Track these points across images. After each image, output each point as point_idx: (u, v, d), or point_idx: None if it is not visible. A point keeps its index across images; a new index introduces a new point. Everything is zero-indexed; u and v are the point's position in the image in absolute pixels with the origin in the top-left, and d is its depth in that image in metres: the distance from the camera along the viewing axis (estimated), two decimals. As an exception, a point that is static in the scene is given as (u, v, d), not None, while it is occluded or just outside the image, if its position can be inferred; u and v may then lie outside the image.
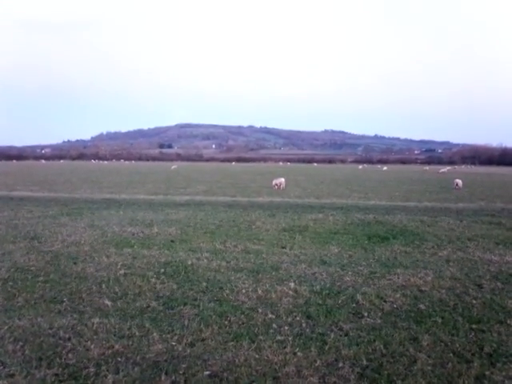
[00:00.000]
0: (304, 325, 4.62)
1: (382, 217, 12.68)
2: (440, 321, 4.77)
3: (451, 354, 3.99)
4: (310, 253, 7.92)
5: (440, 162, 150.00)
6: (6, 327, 4.45)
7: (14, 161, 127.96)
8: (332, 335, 4.36)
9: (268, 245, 8.59)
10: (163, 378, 3.51)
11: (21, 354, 3.91)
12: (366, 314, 4.94)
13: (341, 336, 4.36)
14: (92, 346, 4.03)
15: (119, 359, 3.82)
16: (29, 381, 3.45)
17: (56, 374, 3.54)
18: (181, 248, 8.16)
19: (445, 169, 70.66)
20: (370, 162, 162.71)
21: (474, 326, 4.62)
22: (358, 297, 5.49)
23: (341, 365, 3.77)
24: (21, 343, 4.10)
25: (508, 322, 4.76)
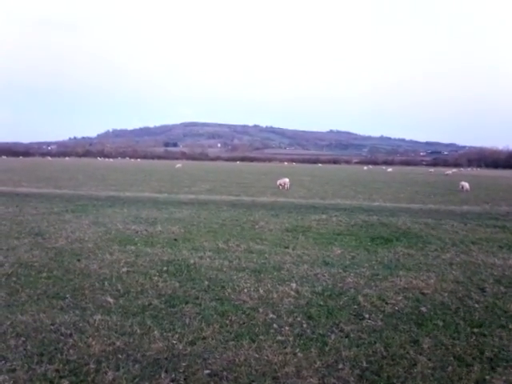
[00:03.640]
0: (305, 325, 4.62)
1: (386, 218, 12.64)
2: (441, 324, 4.76)
3: (452, 358, 3.98)
4: (312, 253, 7.92)
5: (446, 164, 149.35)
6: (8, 322, 4.49)
7: (21, 157, 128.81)
8: (333, 336, 4.36)
9: (271, 245, 8.59)
10: (163, 375, 3.52)
11: (22, 349, 3.94)
12: (367, 316, 4.94)
13: (341, 337, 4.36)
14: (93, 343, 4.06)
15: (120, 356, 3.84)
16: (30, 376, 3.48)
17: (57, 370, 3.57)
18: (184, 247, 8.18)
19: (450, 171, 70.31)
20: (375, 163, 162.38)
21: (475, 330, 4.60)
22: (360, 298, 5.49)
23: (341, 366, 3.77)
24: (23, 338, 4.14)
25: (510, 326, 4.73)
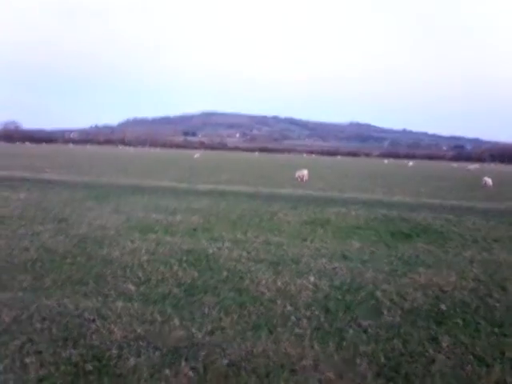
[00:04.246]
0: (322, 319, 4.64)
1: (407, 213, 12.49)
2: (461, 322, 4.72)
3: (471, 357, 3.95)
4: (331, 247, 7.90)
5: (469, 159, 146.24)
6: (34, 306, 4.63)
7: (44, 144, 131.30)
8: (350, 331, 4.37)
9: (289, 237, 8.60)
10: (183, 363, 3.60)
11: (48, 332, 4.06)
12: (385, 312, 4.93)
13: (359, 332, 4.36)
14: (115, 329, 4.16)
15: (141, 343, 3.93)
16: (55, 359, 3.60)
17: (81, 354, 3.68)
18: (203, 236, 8.26)
19: (473, 166, 68.87)
20: (396, 156, 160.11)
21: (496, 330, 4.55)
22: (378, 294, 5.47)
23: (358, 361, 3.79)
24: (48, 322, 4.27)
25: (532, 327, 4.66)
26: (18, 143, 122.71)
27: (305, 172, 25.51)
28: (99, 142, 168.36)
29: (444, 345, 4.16)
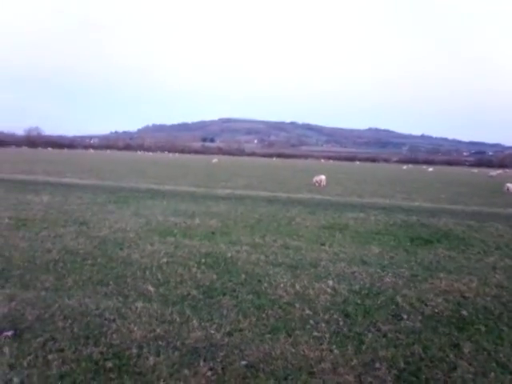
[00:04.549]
0: (341, 323, 4.61)
1: (427, 219, 12.32)
2: (483, 329, 4.62)
3: (494, 364, 3.86)
4: (349, 251, 7.84)
5: (490, 164, 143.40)
6: (56, 305, 4.72)
7: (65, 149, 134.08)
8: (370, 335, 4.33)
9: (307, 241, 8.57)
10: (202, 364, 3.62)
11: (70, 331, 4.13)
12: (405, 317, 4.86)
13: (379, 337, 4.31)
14: (135, 329, 4.21)
15: (160, 343, 3.96)
16: (77, 356, 3.66)
17: (101, 353, 3.73)
18: (221, 240, 8.30)
19: (495, 172, 67.46)
20: (415, 162, 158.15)
21: (520, 337, 4.44)
22: (398, 299, 5.40)
23: (378, 365, 3.75)
24: (70, 321, 4.34)
25: (558, 335, 4.53)
26: (40, 149, 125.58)
27: (322, 177, 25.42)
28: (119, 148, 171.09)
29: (466, 351, 4.08)
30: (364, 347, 4.07)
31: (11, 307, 4.60)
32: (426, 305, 5.27)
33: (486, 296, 5.70)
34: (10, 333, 3.96)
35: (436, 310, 5.12)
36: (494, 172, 68.60)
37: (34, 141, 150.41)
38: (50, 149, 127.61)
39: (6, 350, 3.69)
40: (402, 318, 4.82)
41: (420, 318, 4.87)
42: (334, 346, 4.05)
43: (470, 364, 3.85)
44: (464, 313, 5.07)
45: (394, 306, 5.17)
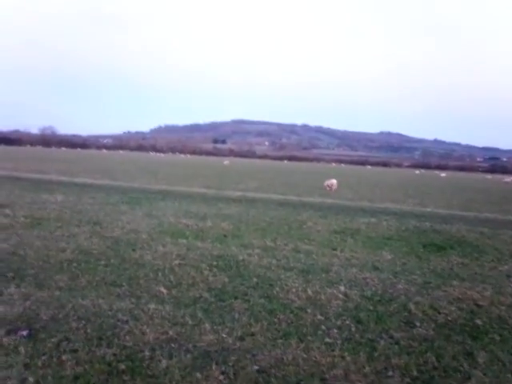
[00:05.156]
0: (353, 329, 4.58)
1: (439, 225, 12.20)
2: (498, 338, 4.56)
3: (509, 375, 3.80)
4: (361, 257, 7.80)
5: (505, 171, 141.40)
6: (70, 305, 4.77)
7: (79, 149, 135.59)
8: (382, 342, 4.30)
9: (319, 246, 8.55)
10: (214, 367, 3.62)
11: (83, 331, 4.17)
12: (418, 324, 4.82)
13: (391, 344, 4.28)
14: (148, 330, 4.24)
15: (173, 345, 3.98)
16: (90, 357, 3.69)
17: (114, 354, 3.76)
18: (233, 243, 8.32)
19: (510, 178, 66.53)
20: (427, 167, 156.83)
21: (535, 348, 4.37)
22: (411, 306, 5.36)
23: (390, 373, 3.72)
24: (83, 322, 4.38)
25: None
26: (54, 148, 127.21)
27: (334, 181, 25.32)
28: (131, 148, 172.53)
29: (480, 361, 4.03)
30: (376, 354, 4.05)
31: (26, 306, 4.66)
32: (439, 312, 5.22)
33: (500, 305, 5.62)
34: (25, 332, 4.01)
35: (449, 318, 5.06)
36: (508, 178, 67.68)
37: (49, 140, 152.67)
38: (63, 148, 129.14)
39: (22, 349, 3.73)
40: (414, 326, 4.78)
41: (433, 325, 4.83)
42: (347, 353, 4.03)
43: (484, 374, 3.80)
44: (478, 321, 5.01)
45: (406, 313, 5.13)
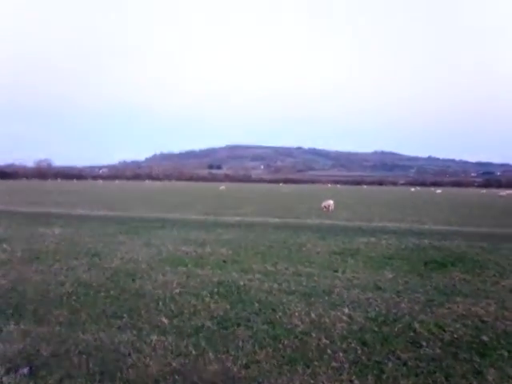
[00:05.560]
0: (360, 352, 4.52)
1: (439, 242, 12.19)
2: (506, 354, 4.50)
3: (520, 392, 3.75)
4: (363, 277, 7.75)
5: (499, 185, 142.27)
6: (71, 340, 4.69)
7: (75, 180, 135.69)
8: (389, 364, 4.24)
9: (319, 268, 8.49)
10: (220, 398, 3.56)
11: (85, 367, 4.10)
12: (424, 344, 4.76)
13: (399, 365, 4.22)
14: (151, 363, 4.16)
15: (177, 377, 3.91)
16: (93, 393, 3.61)
17: (118, 388, 3.69)
18: (233, 268, 8.25)
19: (505, 192, 66.87)
20: (422, 184, 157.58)
21: (544, 363, 4.32)
22: (416, 325, 5.30)
23: (400, 396, 3.65)
24: (85, 356, 4.30)
25: None
26: (50, 180, 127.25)
27: (330, 202, 25.39)
28: (127, 178, 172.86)
29: (490, 378, 3.97)
30: (385, 376, 3.98)
31: (26, 343, 4.58)
32: (444, 330, 5.17)
33: (505, 320, 5.57)
34: (25, 370, 3.93)
35: (455, 336, 5.01)
36: (503, 192, 68.05)
37: (45, 172, 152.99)
38: (59, 180, 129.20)
39: (23, 387, 3.66)
40: (421, 346, 4.72)
41: (439, 344, 4.77)
42: (354, 377, 3.96)
43: (494, 392, 3.74)
44: (484, 338, 4.95)
45: (412, 333, 5.07)
